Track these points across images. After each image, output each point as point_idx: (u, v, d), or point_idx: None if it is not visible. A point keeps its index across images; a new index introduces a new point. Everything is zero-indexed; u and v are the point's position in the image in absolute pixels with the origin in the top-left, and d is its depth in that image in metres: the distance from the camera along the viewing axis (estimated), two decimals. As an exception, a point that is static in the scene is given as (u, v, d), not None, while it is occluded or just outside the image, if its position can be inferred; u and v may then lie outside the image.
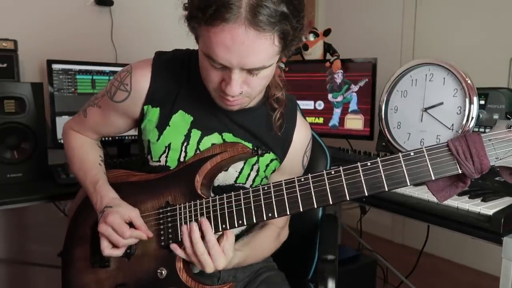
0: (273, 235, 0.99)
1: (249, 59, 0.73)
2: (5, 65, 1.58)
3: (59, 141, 1.62)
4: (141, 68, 0.94)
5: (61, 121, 1.62)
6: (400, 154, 0.72)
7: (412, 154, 0.71)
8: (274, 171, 1.01)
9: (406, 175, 0.71)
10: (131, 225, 0.87)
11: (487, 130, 0.70)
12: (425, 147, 0.71)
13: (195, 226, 0.82)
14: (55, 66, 1.60)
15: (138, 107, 0.95)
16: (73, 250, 1.00)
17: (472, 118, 1.31)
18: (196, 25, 0.75)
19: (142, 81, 0.93)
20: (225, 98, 0.82)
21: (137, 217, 0.88)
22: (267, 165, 0.98)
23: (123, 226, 0.85)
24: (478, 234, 1.04)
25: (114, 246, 0.87)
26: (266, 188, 0.80)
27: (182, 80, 0.94)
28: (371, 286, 1.98)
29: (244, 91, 0.81)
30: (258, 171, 0.97)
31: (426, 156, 0.70)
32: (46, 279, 1.88)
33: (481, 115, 1.36)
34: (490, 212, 1.03)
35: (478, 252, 2.31)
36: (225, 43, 0.71)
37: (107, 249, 0.87)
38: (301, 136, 1.01)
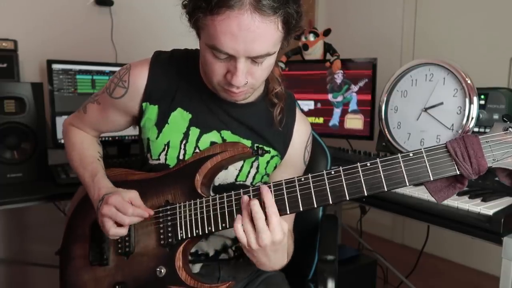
0: (291, 239, 0.98)
1: (255, 45, 0.74)
2: (5, 65, 1.58)
3: (59, 141, 1.62)
4: (140, 65, 0.95)
5: (61, 121, 1.62)
6: (399, 155, 0.73)
7: (411, 155, 0.72)
8: (275, 167, 1.01)
9: (405, 175, 0.72)
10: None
11: (487, 130, 0.72)
12: (424, 148, 0.72)
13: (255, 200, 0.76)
14: (55, 66, 1.61)
15: (136, 104, 0.96)
16: (72, 248, 1.00)
17: (472, 118, 1.31)
18: (200, 16, 0.75)
19: (140, 78, 0.93)
20: (230, 90, 0.83)
21: (136, 197, 0.88)
22: (268, 162, 0.98)
23: (125, 204, 0.85)
24: (478, 234, 1.04)
25: (119, 225, 0.87)
26: None
27: (181, 78, 0.95)
28: (371, 286, 1.98)
29: (248, 82, 0.81)
30: (258, 168, 0.98)
31: (425, 157, 0.71)
32: (46, 279, 1.87)
33: (481, 115, 1.36)
34: (490, 212, 1.03)
35: (478, 252, 2.31)
36: (231, 31, 0.72)
37: (112, 228, 0.86)
38: (302, 130, 1.01)
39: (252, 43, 0.74)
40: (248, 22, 0.71)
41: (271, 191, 0.78)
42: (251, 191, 0.81)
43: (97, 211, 0.88)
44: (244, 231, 0.77)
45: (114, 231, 0.86)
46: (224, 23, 0.72)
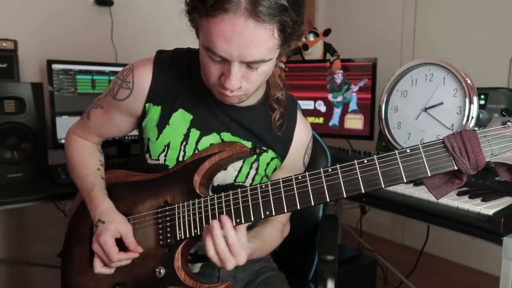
0: (277, 230, 1.00)
1: (249, 51, 0.74)
2: (5, 65, 1.58)
3: (59, 141, 1.62)
4: (143, 65, 0.94)
5: (61, 121, 1.62)
6: (396, 151, 0.72)
7: (408, 151, 0.72)
8: (275, 169, 1.01)
9: (402, 171, 0.71)
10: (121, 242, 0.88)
11: (487, 130, 0.72)
12: (421, 144, 0.71)
13: (215, 223, 0.80)
14: (55, 66, 1.61)
15: (140, 105, 0.95)
16: (73, 250, 1.00)
17: (472, 118, 1.31)
18: (196, 17, 0.75)
19: (144, 78, 0.93)
20: (224, 93, 0.82)
21: (127, 234, 0.88)
22: (268, 164, 0.98)
23: (111, 250, 0.85)
24: (478, 234, 1.04)
25: (106, 264, 0.89)
26: (264, 186, 0.80)
27: (182, 79, 0.94)
28: (371, 286, 1.98)
29: (243, 86, 0.81)
30: (257, 169, 0.98)
31: (422, 153, 0.71)
32: (46, 279, 1.88)
33: (481, 115, 1.36)
34: (490, 212, 1.03)
35: (478, 252, 2.30)
36: (225, 34, 0.72)
37: (98, 267, 0.89)
38: (302, 134, 1.01)
39: (246, 48, 0.73)
40: (242, 27, 0.71)
41: (266, 190, 0.80)
42: (248, 191, 0.81)
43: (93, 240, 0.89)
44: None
45: (99, 270, 0.89)
46: (218, 26, 0.72)
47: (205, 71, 0.83)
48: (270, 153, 0.98)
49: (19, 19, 1.78)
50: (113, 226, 0.87)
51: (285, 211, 0.78)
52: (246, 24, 0.71)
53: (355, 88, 1.82)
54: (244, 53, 0.74)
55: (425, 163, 0.70)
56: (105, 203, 0.92)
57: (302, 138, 1.01)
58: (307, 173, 0.77)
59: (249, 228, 0.96)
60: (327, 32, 2.01)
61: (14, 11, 1.77)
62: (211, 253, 0.79)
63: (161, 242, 0.88)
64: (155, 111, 0.94)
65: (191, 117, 0.94)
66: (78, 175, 1.00)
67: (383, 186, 0.72)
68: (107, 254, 0.86)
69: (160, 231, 0.89)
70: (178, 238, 0.87)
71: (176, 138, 0.94)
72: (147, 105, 0.94)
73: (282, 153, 0.99)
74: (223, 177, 0.96)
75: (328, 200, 0.76)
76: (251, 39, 0.72)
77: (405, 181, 0.71)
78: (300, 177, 0.78)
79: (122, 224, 0.89)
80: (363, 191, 0.73)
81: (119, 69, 0.99)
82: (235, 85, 0.78)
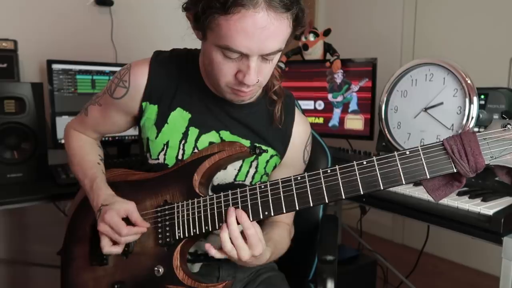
0: (286, 232, 1.00)
1: (268, 43, 0.75)
2: (5, 65, 1.58)
3: (59, 141, 1.62)
4: (140, 65, 0.95)
5: (61, 121, 1.62)
6: (395, 153, 0.72)
7: (407, 153, 0.72)
8: (275, 167, 1.01)
9: (401, 173, 0.71)
10: (128, 220, 0.88)
11: (486, 130, 0.72)
12: (420, 146, 0.71)
13: (231, 210, 0.80)
14: (55, 66, 1.61)
15: (136, 104, 0.96)
16: (72, 248, 1.01)
17: (472, 118, 1.31)
18: (215, 16, 0.74)
19: (140, 77, 0.94)
20: (240, 90, 0.83)
21: (132, 211, 0.88)
22: (267, 162, 0.99)
23: (119, 224, 0.85)
24: (478, 234, 1.04)
25: (114, 243, 0.88)
26: (263, 186, 0.81)
27: (180, 78, 0.95)
28: (371, 286, 1.98)
29: (259, 80, 0.82)
30: (257, 168, 0.98)
31: (422, 155, 0.71)
32: (46, 279, 1.88)
33: (481, 115, 1.36)
34: (490, 212, 1.03)
35: (478, 252, 2.30)
36: (246, 30, 0.73)
37: (107, 247, 0.88)
38: (301, 130, 1.01)
39: (266, 41, 0.75)
40: (264, 19, 0.72)
41: (265, 190, 0.80)
42: (248, 191, 0.81)
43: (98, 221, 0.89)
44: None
45: (108, 250, 0.88)
46: (239, 22, 0.72)
47: (216, 71, 0.83)
48: (270, 151, 0.98)
49: (19, 19, 1.78)
50: (116, 205, 0.88)
51: (284, 211, 0.78)
52: (267, 17, 0.72)
53: (355, 88, 1.82)
54: (264, 46, 0.75)
55: (424, 165, 0.70)
56: (107, 191, 0.93)
57: (300, 134, 1.01)
58: (306, 174, 0.77)
59: None
60: (327, 32, 2.01)
61: (14, 11, 1.77)
62: (227, 245, 0.78)
63: (160, 241, 0.88)
64: (152, 110, 0.95)
65: (189, 115, 0.94)
66: (79, 169, 1.01)
67: (382, 188, 0.72)
68: (116, 229, 0.85)
69: (159, 230, 0.89)
70: (177, 237, 0.87)
71: (175, 136, 0.94)
72: (143, 104, 0.95)
73: (281, 150, 0.99)
74: (223, 176, 0.96)
75: (327, 201, 0.76)
76: (271, 31, 0.74)
77: (404, 183, 0.71)
78: (299, 178, 0.78)
79: (125, 203, 0.89)
80: (361, 193, 0.73)
81: (119, 69, 1.00)
82: (254, 80, 0.79)
